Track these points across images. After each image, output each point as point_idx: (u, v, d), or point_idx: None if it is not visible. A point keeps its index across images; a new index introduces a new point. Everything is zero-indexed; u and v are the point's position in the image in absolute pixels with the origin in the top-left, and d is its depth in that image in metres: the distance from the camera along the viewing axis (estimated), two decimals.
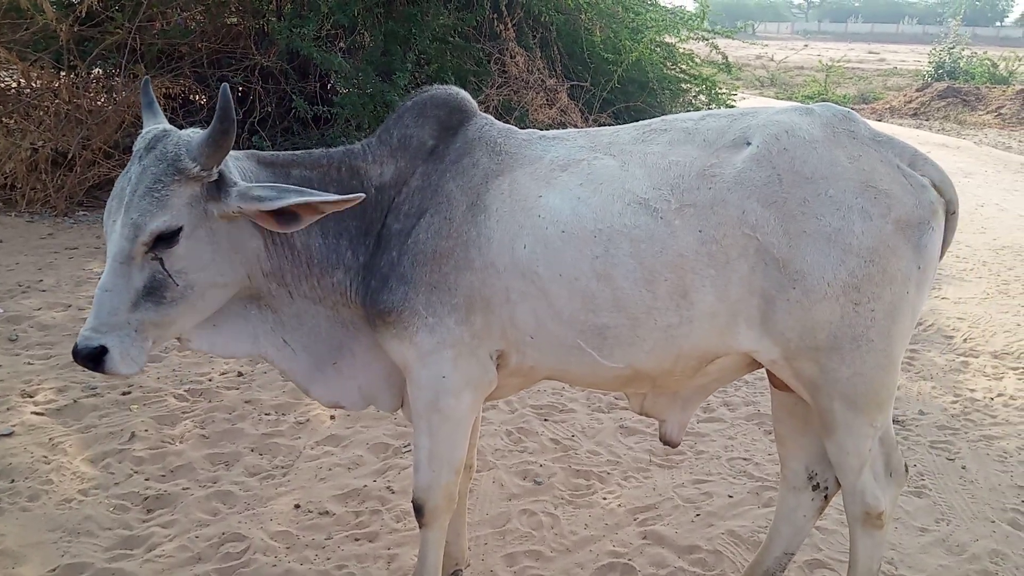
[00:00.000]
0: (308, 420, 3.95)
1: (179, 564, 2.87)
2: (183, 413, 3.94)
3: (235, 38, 9.04)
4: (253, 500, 3.29)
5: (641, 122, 2.39)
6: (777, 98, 24.21)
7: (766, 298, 2.11)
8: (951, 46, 25.12)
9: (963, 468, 3.71)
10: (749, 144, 2.15)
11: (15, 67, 8.24)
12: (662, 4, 12.46)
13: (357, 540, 3.05)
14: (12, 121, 8.14)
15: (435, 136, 2.30)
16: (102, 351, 1.95)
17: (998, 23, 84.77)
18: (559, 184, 2.19)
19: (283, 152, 2.31)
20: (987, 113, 19.74)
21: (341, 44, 9.05)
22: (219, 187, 2.03)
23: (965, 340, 5.27)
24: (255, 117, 8.79)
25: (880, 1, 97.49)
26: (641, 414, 2.58)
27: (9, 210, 7.50)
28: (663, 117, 2.38)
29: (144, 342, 2.01)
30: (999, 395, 4.49)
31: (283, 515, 3.19)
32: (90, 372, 4.19)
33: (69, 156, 7.86)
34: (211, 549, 2.96)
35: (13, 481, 3.31)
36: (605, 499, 3.37)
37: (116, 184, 2.03)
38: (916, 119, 19.90)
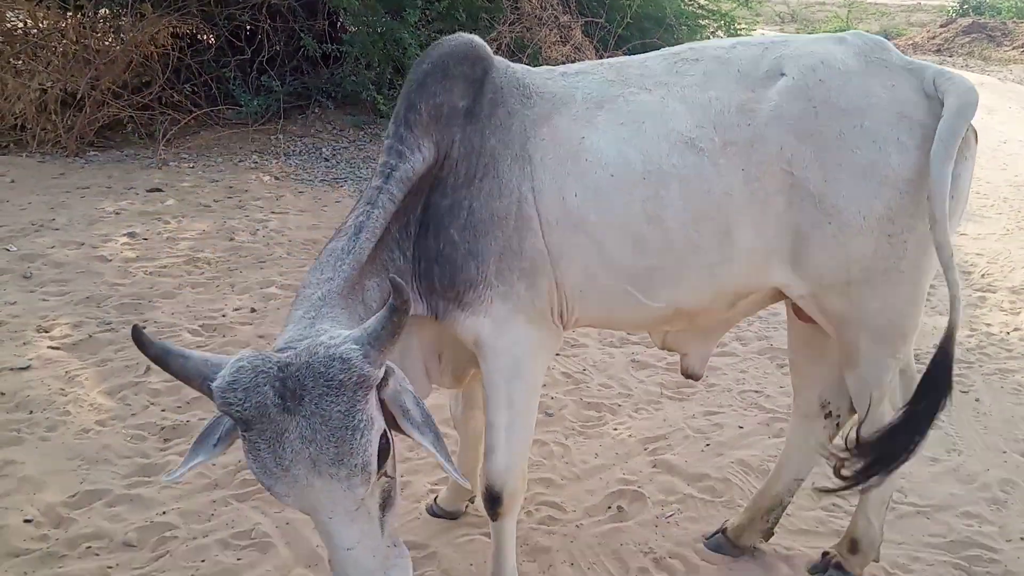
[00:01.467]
0: None
1: (197, 490, 2.93)
2: (197, 347, 3.97)
3: None
4: None
5: (666, 50, 2.30)
6: (798, 33, 23.70)
7: (800, 235, 2.07)
8: None
9: (976, 400, 3.70)
10: (784, 75, 2.08)
11: (22, 8, 8.15)
12: None
13: None
14: (20, 62, 8.07)
15: (465, 95, 2.13)
16: None
17: None
18: (600, 124, 2.11)
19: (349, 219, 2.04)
20: (1013, 49, 19.23)
21: None
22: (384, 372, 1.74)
23: (983, 276, 5.22)
24: (263, 56, 8.68)
25: None
26: (663, 348, 2.57)
27: (20, 151, 7.48)
28: (690, 44, 2.29)
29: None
30: (1016, 329, 4.46)
31: None
32: (104, 308, 4.27)
33: (78, 97, 7.80)
34: (228, 477, 3.01)
35: (31, 412, 3.37)
36: (616, 430, 3.39)
37: (277, 454, 1.57)
38: (939, 55, 19.42)
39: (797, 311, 2.36)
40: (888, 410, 2.30)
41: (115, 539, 2.68)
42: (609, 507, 2.88)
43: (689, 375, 2.61)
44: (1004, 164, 8.16)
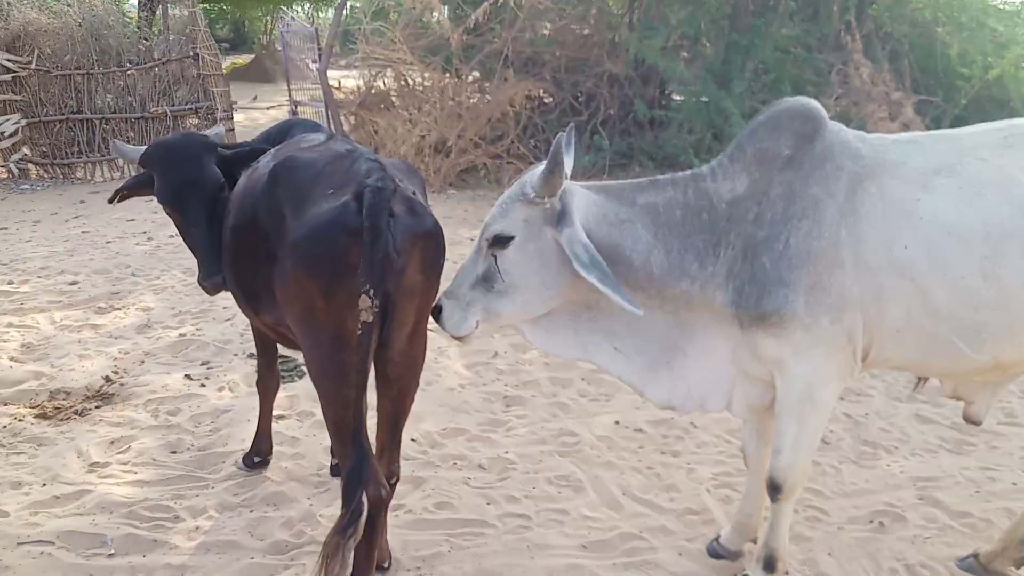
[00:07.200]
0: None
1: (528, 443, 3.80)
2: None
3: (589, 47, 10.17)
4: (583, 412, 4.13)
5: (987, 125, 2.56)
6: None
7: None
8: None
9: None
10: None
11: (416, 68, 10.14)
12: None
13: (663, 453, 3.75)
14: (407, 113, 10.04)
15: (791, 146, 2.41)
16: (438, 309, 2.51)
17: None
18: (937, 188, 2.34)
19: (629, 181, 2.58)
20: None
21: (684, 54, 9.75)
22: (560, 217, 2.38)
23: None
24: (599, 119, 9.85)
25: None
26: (951, 397, 2.79)
27: None
28: (1009, 121, 2.55)
29: (471, 316, 2.46)
30: None
31: (605, 426, 3.98)
32: None
33: (447, 144, 9.52)
34: (552, 437, 3.85)
35: None
36: (888, 466, 3.69)
37: None
38: None
39: None
40: None
41: (472, 462, 3.62)
42: (871, 521, 3.24)
43: (971, 421, 2.79)
44: None
